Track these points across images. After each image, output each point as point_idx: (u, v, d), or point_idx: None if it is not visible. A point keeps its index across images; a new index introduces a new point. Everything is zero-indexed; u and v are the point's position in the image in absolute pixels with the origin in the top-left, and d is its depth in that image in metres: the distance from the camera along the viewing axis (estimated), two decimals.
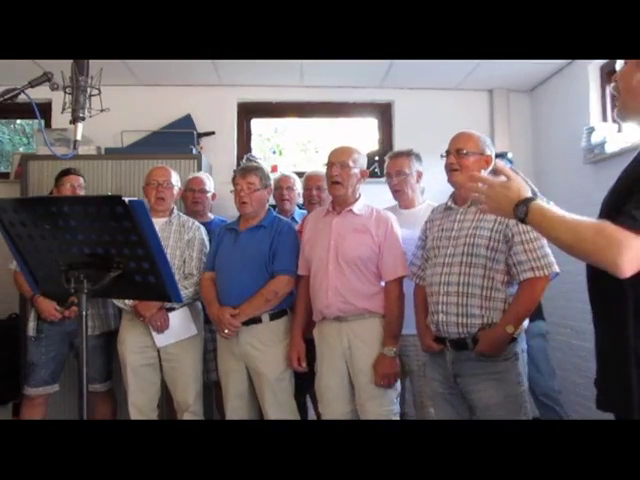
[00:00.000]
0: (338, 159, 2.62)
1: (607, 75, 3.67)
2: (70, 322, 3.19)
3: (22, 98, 1.76)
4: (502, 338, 2.15)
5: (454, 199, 2.38)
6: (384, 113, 4.56)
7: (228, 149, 4.38)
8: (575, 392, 3.56)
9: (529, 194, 1.44)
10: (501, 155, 3.25)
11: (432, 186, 3.07)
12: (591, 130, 3.53)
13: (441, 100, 4.38)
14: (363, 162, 2.69)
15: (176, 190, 3.17)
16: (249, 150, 4.51)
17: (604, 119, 3.66)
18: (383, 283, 2.62)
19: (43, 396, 3.25)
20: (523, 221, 1.39)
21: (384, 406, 2.53)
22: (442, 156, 2.33)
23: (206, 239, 3.14)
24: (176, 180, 3.17)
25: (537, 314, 2.97)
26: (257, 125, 4.77)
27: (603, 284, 1.35)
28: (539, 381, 3.07)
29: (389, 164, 3.02)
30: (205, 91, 4.32)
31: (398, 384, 2.61)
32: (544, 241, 2.13)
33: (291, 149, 5.55)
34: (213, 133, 4.28)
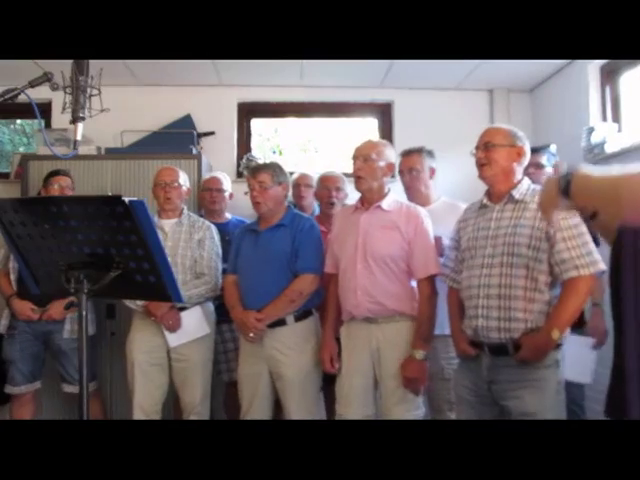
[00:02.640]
0: (361, 152, 2.54)
1: (607, 75, 3.67)
2: (46, 322, 3.18)
3: (22, 98, 1.76)
4: (547, 344, 2.04)
5: (489, 196, 2.26)
6: (384, 113, 4.56)
7: (228, 149, 4.38)
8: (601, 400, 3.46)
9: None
10: (542, 148, 3.09)
11: (437, 184, 3.04)
12: (591, 130, 3.53)
13: (441, 100, 4.37)
14: (389, 155, 2.57)
15: (184, 190, 3.16)
16: (249, 150, 4.51)
17: (604, 119, 3.66)
18: (414, 283, 2.53)
19: (29, 393, 3.25)
20: (568, 194, 1.29)
21: (410, 410, 2.44)
22: (472, 153, 2.24)
23: (217, 238, 3.14)
24: (184, 180, 3.16)
25: (580, 320, 2.65)
26: (257, 125, 4.77)
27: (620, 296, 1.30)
28: (569, 387, 2.94)
29: (402, 162, 2.95)
30: (205, 91, 4.32)
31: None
32: (588, 237, 2.03)
33: (291, 149, 5.55)
34: (213, 133, 4.28)
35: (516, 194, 2.17)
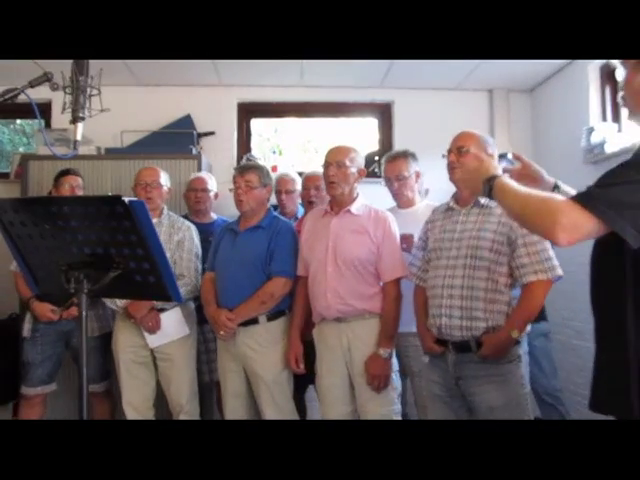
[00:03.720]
0: (335, 159, 2.60)
1: (607, 75, 3.67)
2: (67, 322, 3.20)
3: (22, 98, 1.76)
4: (506, 342, 2.13)
5: (456, 200, 2.34)
6: (384, 113, 4.56)
7: (228, 149, 4.38)
8: (575, 392, 3.56)
9: (498, 172, 1.53)
10: (501, 156, 3.21)
11: (434, 186, 3.06)
12: (591, 130, 3.53)
13: (441, 100, 4.38)
14: (361, 161, 2.67)
15: (165, 190, 3.16)
16: (249, 150, 4.51)
17: (604, 119, 3.66)
18: (382, 283, 2.60)
19: (41, 396, 3.25)
20: (489, 195, 1.48)
21: (385, 406, 2.52)
22: (443, 156, 2.30)
23: (196, 239, 3.14)
24: (165, 180, 3.17)
25: (540, 315, 2.92)
26: (257, 125, 4.77)
27: (604, 286, 1.34)
28: (542, 380, 3.06)
29: (387, 168, 2.98)
30: (205, 91, 4.32)
31: (399, 383, 2.60)
32: (547, 244, 2.12)
33: (291, 149, 5.55)
34: (213, 133, 4.28)
35: (482, 199, 2.23)
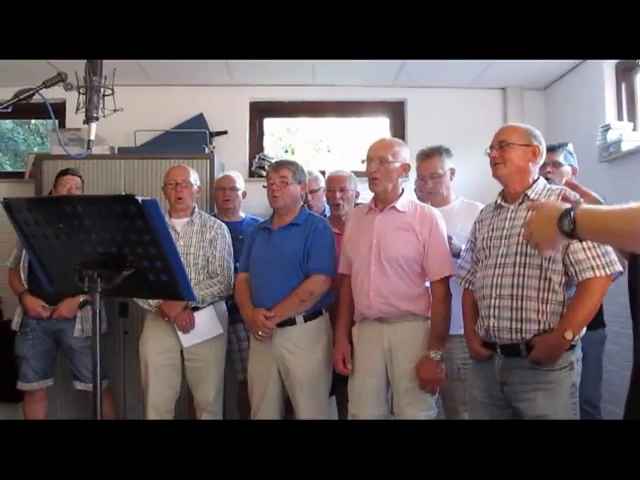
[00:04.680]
0: (377, 154, 2.49)
1: (623, 73, 3.63)
2: (56, 321, 3.22)
3: (36, 98, 1.78)
4: (560, 345, 1.99)
5: (503, 196, 2.23)
6: (396, 112, 4.54)
7: (240, 148, 4.39)
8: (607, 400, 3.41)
9: (566, 206, 1.28)
10: (560, 146, 2.98)
11: (458, 183, 2.99)
12: (607, 128, 3.50)
13: (454, 98, 4.35)
14: (405, 155, 2.54)
15: (195, 189, 3.16)
16: (261, 149, 4.52)
17: (619, 117, 3.62)
18: (427, 284, 2.51)
19: (41, 391, 3.28)
20: (572, 234, 1.22)
21: (423, 411, 2.43)
22: (486, 152, 2.20)
23: (228, 237, 3.14)
24: (195, 179, 3.16)
25: (598, 321, 2.62)
26: (269, 124, 4.77)
27: None
28: (585, 389, 2.87)
29: (420, 166, 2.87)
30: (217, 91, 4.33)
31: None
32: None
33: (303, 148, 5.56)
34: (225, 132, 4.29)
35: (531, 194, 2.13)
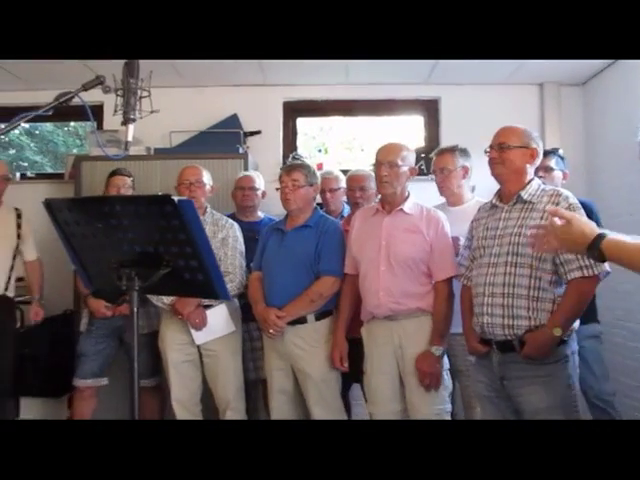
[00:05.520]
0: (386, 158, 2.58)
1: None
2: (119, 318, 3.30)
3: (75, 101, 1.81)
4: (549, 341, 2.07)
5: (499, 196, 2.31)
6: (430, 110, 4.50)
7: (274, 148, 4.40)
8: (630, 396, 3.44)
9: (594, 231, 1.42)
10: (551, 152, 3.15)
11: (483, 183, 2.98)
12: None
13: (489, 95, 4.29)
14: (412, 159, 2.66)
15: (208, 188, 3.20)
16: (295, 149, 4.53)
17: None
18: (433, 282, 2.58)
19: (92, 389, 3.36)
20: (599, 256, 1.38)
21: (436, 405, 2.49)
22: (486, 152, 2.28)
23: (240, 236, 3.17)
24: (207, 178, 3.20)
25: (591, 316, 2.86)
26: (302, 124, 4.78)
27: None
28: (592, 384, 2.97)
29: (434, 161, 2.99)
30: (251, 91, 4.35)
31: (450, 382, 2.57)
32: None
33: (336, 147, 5.56)
34: (259, 132, 4.31)
35: (525, 195, 2.20)
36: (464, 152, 2.94)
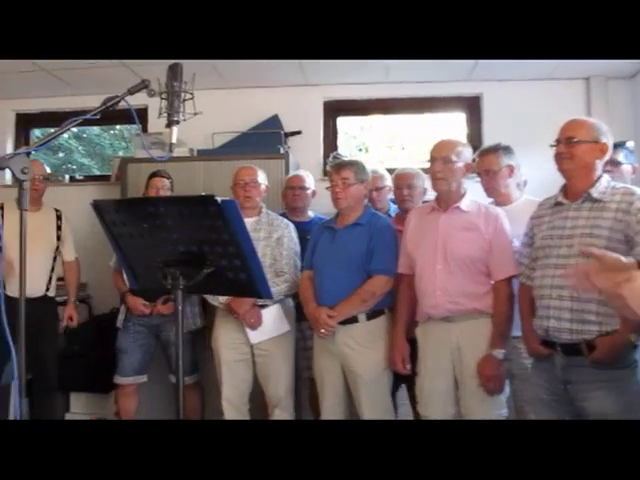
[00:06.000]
0: (440, 154, 2.51)
1: None
2: (157, 317, 3.36)
3: (121, 105, 1.85)
4: (622, 347, 1.97)
5: (564, 193, 2.18)
6: (472, 107, 4.44)
7: (315, 148, 4.41)
8: None
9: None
10: (619, 144, 2.92)
11: (529, 180, 2.92)
12: None
13: (533, 91, 4.20)
14: (468, 155, 2.56)
15: (263, 188, 3.21)
16: (335, 148, 4.53)
17: None
18: (492, 282, 2.50)
19: (133, 385, 3.44)
20: None
21: (494, 410, 2.41)
22: (551, 146, 2.15)
23: (295, 236, 3.17)
24: (262, 178, 3.22)
25: None
26: (343, 123, 4.78)
27: None
28: None
29: (477, 163, 2.87)
30: (291, 91, 4.38)
31: (507, 387, 2.49)
32: None
33: (377, 146, 5.54)
34: (300, 132, 4.33)
35: (594, 193, 2.08)
36: (507, 150, 2.84)
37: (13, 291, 3.22)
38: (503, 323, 2.43)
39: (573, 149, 2.08)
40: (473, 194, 2.69)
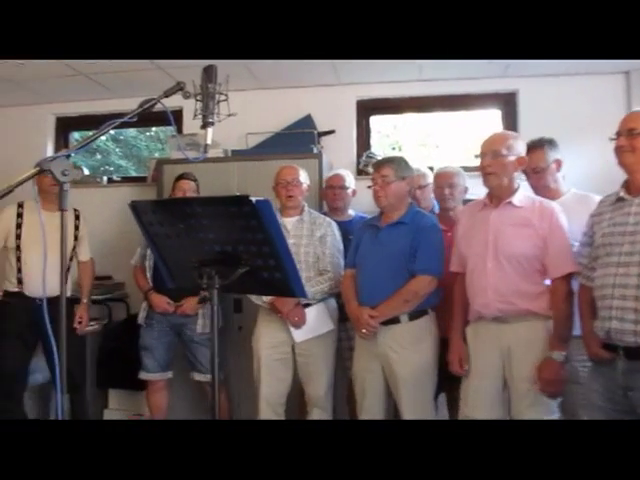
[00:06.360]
0: (490, 148, 2.42)
1: None
2: (178, 316, 3.41)
3: (157, 107, 1.88)
4: None
5: (627, 189, 2.06)
6: (508, 103, 4.37)
7: (348, 147, 4.41)
8: None
9: None
10: None
11: (568, 175, 2.85)
12: None
13: (570, 86, 4.10)
14: (520, 148, 2.45)
15: (305, 187, 3.22)
16: (369, 147, 4.52)
17: None
18: (547, 282, 2.40)
19: (162, 382, 3.49)
20: None
21: (545, 414, 2.31)
22: (611, 139, 2.06)
23: (338, 234, 3.17)
24: (304, 177, 3.22)
25: None
26: (376, 122, 4.76)
27: None
28: None
29: None
30: (324, 91, 4.38)
31: None
32: None
33: (411, 145, 5.50)
34: (333, 132, 4.33)
35: None
36: (552, 143, 2.74)
37: (31, 291, 3.34)
38: (562, 323, 2.31)
39: (635, 141, 1.98)
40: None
